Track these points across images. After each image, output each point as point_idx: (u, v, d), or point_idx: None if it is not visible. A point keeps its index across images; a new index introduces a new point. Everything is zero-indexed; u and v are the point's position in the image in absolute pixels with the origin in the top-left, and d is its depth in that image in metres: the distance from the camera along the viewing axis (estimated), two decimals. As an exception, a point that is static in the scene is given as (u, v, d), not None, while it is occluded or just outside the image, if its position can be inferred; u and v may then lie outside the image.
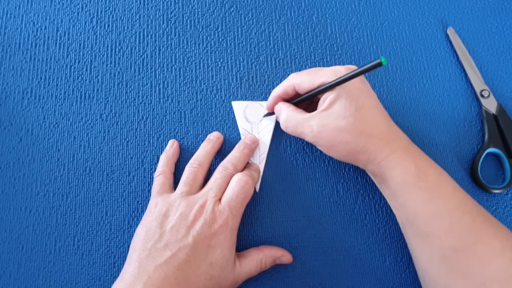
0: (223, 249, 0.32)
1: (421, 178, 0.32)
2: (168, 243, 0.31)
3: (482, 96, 0.42)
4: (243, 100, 0.42)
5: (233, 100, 0.41)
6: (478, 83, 0.43)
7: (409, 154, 0.33)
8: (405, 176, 0.32)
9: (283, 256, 0.36)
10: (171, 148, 0.39)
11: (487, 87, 0.43)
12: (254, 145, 0.39)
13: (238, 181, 0.34)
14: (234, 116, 0.41)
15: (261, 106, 0.41)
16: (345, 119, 0.32)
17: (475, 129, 0.42)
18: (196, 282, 0.30)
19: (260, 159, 0.39)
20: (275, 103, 0.38)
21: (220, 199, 0.33)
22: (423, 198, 0.32)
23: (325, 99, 0.34)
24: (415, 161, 0.32)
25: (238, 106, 0.41)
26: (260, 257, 0.35)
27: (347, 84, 0.33)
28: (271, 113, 0.40)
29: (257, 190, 0.39)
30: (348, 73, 0.31)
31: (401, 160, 0.32)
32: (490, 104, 0.42)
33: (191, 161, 0.37)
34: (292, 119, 0.35)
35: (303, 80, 0.35)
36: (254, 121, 0.40)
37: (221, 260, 0.31)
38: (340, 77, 0.32)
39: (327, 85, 0.33)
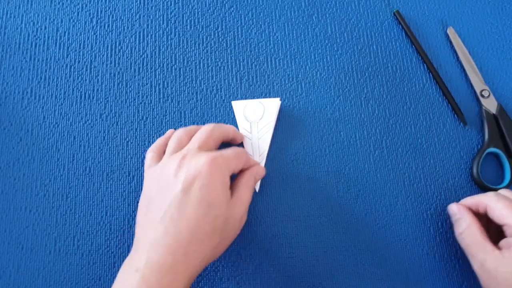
0: (216, 187, 0.31)
1: None
2: (161, 202, 0.31)
3: (482, 96, 0.42)
4: (243, 99, 0.42)
5: (233, 100, 0.41)
6: (478, 83, 0.43)
7: None
8: None
9: (257, 171, 0.36)
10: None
11: (487, 87, 0.42)
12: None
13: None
14: (234, 116, 0.41)
15: (261, 104, 0.41)
16: None
17: (475, 129, 0.42)
18: (202, 228, 0.30)
19: (260, 158, 0.39)
20: (459, 207, 0.36)
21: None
22: None
23: None
24: None
25: (238, 106, 0.41)
26: (245, 182, 0.34)
27: None
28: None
29: (257, 190, 0.39)
30: None
31: None
32: (490, 104, 0.42)
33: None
34: (472, 235, 0.33)
35: (499, 208, 0.33)
36: (253, 119, 0.40)
37: (218, 197, 0.31)
38: None
39: None
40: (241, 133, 0.40)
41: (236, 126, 0.41)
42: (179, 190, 0.30)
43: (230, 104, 0.41)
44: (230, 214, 0.32)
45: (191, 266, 0.29)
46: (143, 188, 0.35)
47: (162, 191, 0.31)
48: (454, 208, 0.37)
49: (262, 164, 0.39)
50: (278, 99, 0.41)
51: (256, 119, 0.40)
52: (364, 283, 0.37)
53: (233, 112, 0.41)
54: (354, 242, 0.38)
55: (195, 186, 0.30)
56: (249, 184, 0.35)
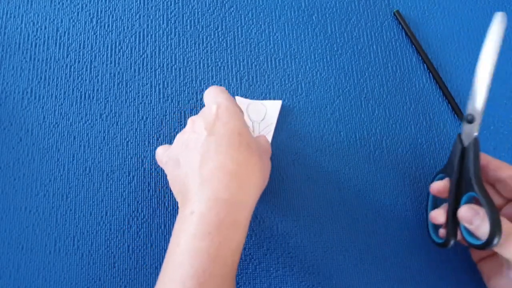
0: (237, 117, 0.31)
1: None
2: (193, 153, 0.30)
3: (468, 121, 0.34)
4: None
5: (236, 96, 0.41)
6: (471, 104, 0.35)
7: None
8: None
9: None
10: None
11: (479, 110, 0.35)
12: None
13: None
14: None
15: (263, 106, 0.41)
16: None
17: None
18: (243, 156, 0.29)
19: None
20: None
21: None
22: None
23: None
24: None
25: (241, 103, 0.41)
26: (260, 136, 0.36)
27: None
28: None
29: None
30: None
31: None
32: (469, 133, 0.34)
33: None
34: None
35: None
36: (255, 119, 0.40)
37: (244, 127, 0.31)
38: None
39: None
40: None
41: None
42: (206, 135, 0.30)
43: (230, 104, 0.41)
44: (258, 143, 0.32)
45: (247, 195, 0.29)
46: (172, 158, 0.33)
47: (188, 146, 0.31)
48: (469, 211, 0.31)
49: None
50: (280, 101, 0.41)
51: (258, 119, 0.40)
52: (364, 283, 0.37)
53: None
54: (354, 242, 0.38)
55: (218, 125, 0.30)
56: (263, 138, 0.36)
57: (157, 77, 0.42)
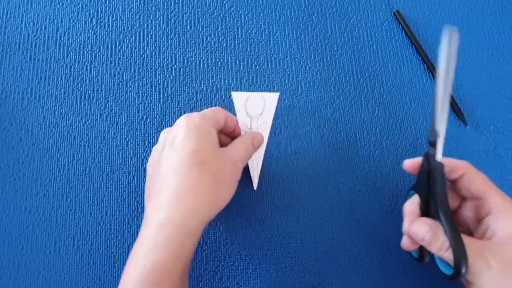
0: (196, 135, 0.31)
1: None
2: (154, 170, 0.32)
3: (431, 144, 0.32)
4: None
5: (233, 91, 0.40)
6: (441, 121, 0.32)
7: None
8: None
9: (254, 136, 0.35)
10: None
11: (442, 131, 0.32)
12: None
13: None
14: (234, 113, 0.41)
15: (262, 99, 0.39)
16: None
17: (475, 129, 0.42)
18: (192, 176, 0.30)
19: (258, 156, 0.38)
20: (415, 166, 0.32)
21: None
22: None
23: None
24: None
25: (239, 98, 0.38)
26: (240, 141, 0.34)
27: None
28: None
29: (255, 188, 0.39)
30: None
31: None
32: (434, 155, 0.33)
33: None
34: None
35: (481, 179, 0.31)
36: (254, 115, 0.38)
37: (201, 144, 0.30)
38: None
39: None
40: (235, 119, 0.37)
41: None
42: (164, 150, 0.31)
43: (231, 104, 0.41)
44: (220, 158, 0.31)
45: (187, 217, 0.29)
46: None
47: (152, 156, 0.34)
48: (423, 227, 0.30)
49: (260, 161, 0.39)
50: (278, 93, 0.39)
51: (257, 114, 0.38)
52: (364, 283, 0.37)
53: (234, 112, 0.41)
54: (354, 242, 0.38)
55: (177, 140, 0.31)
56: (244, 142, 0.34)
57: (157, 77, 0.42)
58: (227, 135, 0.37)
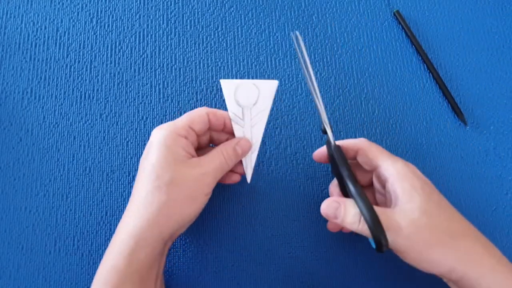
0: (157, 150, 0.31)
1: None
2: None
3: (323, 132, 0.34)
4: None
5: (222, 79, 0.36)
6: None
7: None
8: None
9: (239, 141, 0.34)
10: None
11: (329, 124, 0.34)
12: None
13: None
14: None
15: (255, 87, 0.35)
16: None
17: (475, 129, 0.42)
18: (146, 187, 0.31)
19: (252, 149, 0.36)
20: (323, 155, 0.34)
21: None
22: None
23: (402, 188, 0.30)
24: None
25: (228, 86, 0.35)
26: (220, 149, 0.33)
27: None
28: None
29: (248, 181, 0.37)
30: None
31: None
32: (329, 141, 0.34)
33: None
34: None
35: (373, 150, 0.32)
36: (246, 104, 0.35)
37: (160, 158, 0.31)
38: None
39: None
40: (222, 114, 0.35)
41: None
42: (142, 159, 0.33)
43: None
44: (179, 172, 0.31)
45: (140, 230, 0.30)
46: None
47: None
48: (332, 204, 0.31)
49: (255, 154, 0.36)
50: (276, 81, 0.36)
51: (250, 104, 0.35)
52: (364, 283, 0.37)
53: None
54: (354, 242, 0.38)
55: (143, 155, 0.33)
56: (222, 152, 0.33)
57: (157, 77, 0.42)
58: (222, 132, 0.36)
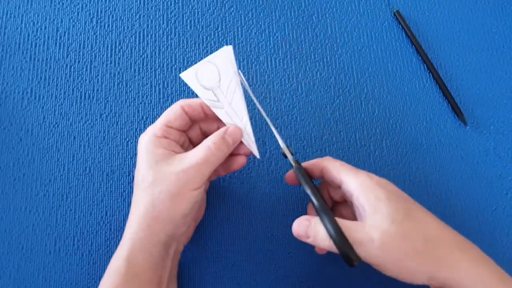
0: (141, 153, 0.32)
1: None
2: None
3: (284, 156, 0.34)
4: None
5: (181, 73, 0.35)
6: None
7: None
8: None
9: (227, 130, 0.33)
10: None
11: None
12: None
13: None
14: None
15: (211, 64, 0.34)
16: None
17: (475, 129, 0.42)
18: (135, 191, 0.32)
19: (243, 123, 0.34)
20: (293, 177, 0.34)
21: None
22: None
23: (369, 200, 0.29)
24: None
25: (188, 77, 0.34)
26: (206, 141, 0.32)
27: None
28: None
29: (258, 156, 0.35)
30: None
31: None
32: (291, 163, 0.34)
33: None
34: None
35: (337, 166, 0.32)
36: (212, 85, 0.34)
37: (143, 161, 0.31)
38: None
39: None
40: (196, 103, 0.34)
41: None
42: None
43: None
44: (161, 172, 0.30)
45: (132, 233, 0.30)
46: None
47: None
48: (302, 223, 0.30)
49: (249, 128, 0.34)
50: (230, 47, 0.34)
51: (216, 83, 0.34)
52: (364, 283, 0.37)
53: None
54: (354, 242, 0.38)
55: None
56: (208, 143, 0.31)
57: (157, 77, 0.42)
58: (209, 120, 0.35)
